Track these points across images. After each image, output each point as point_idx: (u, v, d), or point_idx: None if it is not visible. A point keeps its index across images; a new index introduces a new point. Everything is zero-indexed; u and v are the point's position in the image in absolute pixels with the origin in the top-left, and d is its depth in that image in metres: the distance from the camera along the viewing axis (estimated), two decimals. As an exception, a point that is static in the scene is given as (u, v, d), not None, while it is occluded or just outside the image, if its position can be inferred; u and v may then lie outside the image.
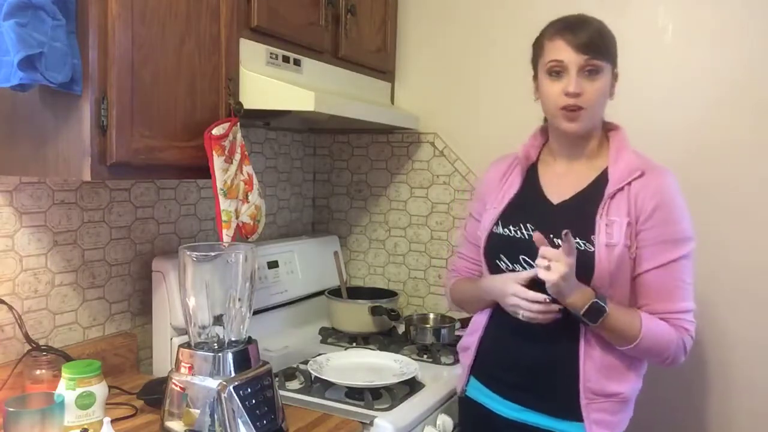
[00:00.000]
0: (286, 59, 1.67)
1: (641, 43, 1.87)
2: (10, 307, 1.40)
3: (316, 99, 1.51)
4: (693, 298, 1.34)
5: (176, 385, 1.28)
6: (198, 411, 1.25)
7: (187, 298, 1.33)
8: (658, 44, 1.87)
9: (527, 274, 1.32)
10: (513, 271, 1.38)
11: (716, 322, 1.83)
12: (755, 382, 1.80)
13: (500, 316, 1.43)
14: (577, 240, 1.31)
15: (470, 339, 1.52)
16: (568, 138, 1.40)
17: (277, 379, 1.50)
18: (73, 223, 1.55)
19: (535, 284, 1.31)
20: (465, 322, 1.86)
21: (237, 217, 1.48)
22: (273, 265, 2.03)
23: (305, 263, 2.16)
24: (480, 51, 2.12)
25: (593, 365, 1.33)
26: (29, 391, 1.33)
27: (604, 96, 1.35)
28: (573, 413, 1.34)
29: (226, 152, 1.42)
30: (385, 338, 2.04)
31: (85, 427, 1.26)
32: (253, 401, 1.27)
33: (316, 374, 1.59)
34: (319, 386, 1.58)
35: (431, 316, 2.10)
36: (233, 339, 1.33)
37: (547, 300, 1.28)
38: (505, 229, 1.42)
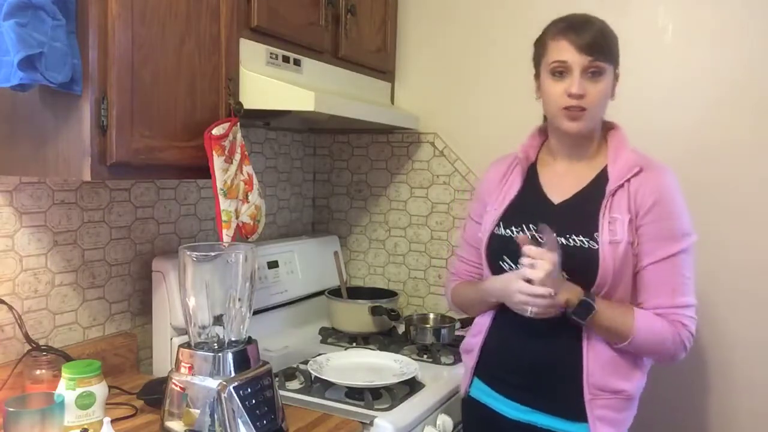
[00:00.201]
0: (286, 59, 1.67)
1: (641, 43, 1.87)
2: (10, 307, 1.40)
3: (316, 99, 1.51)
4: (693, 294, 1.34)
5: (176, 385, 1.28)
6: (198, 411, 1.25)
7: (187, 298, 1.33)
8: (658, 44, 1.87)
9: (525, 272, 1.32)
10: None
11: (716, 321, 1.83)
12: (755, 381, 1.80)
13: (503, 317, 1.44)
14: (581, 238, 1.32)
15: (473, 340, 1.51)
16: (569, 138, 1.40)
17: (277, 379, 1.50)
18: (73, 223, 1.55)
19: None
20: (465, 322, 1.86)
21: (237, 217, 1.48)
22: (273, 265, 2.03)
23: (305, 263, 2.16)
24: (480, 51, 2.13)
25: (597, 361, 1.33)
26: (29, 391, 1.33)
27: (606, 97, 1.36)
28: (578, 412, 1.34)
29: (226, 152, 1.42)
30: (385, 338, 2.04)
31: (85, 427, 1.26)
32: (253, 401, 1.27)
33: (316, 374, 1.59)
34: (319, 386, 1.58)
35: (431, 316, 2.10)
36: (233, 339, 1.33)
37: (552, 293, 1.27)
38: (507, 230, 1.42)
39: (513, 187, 1.47)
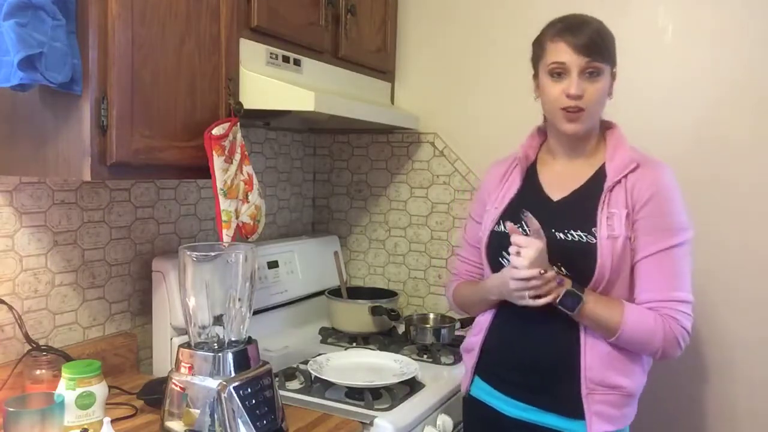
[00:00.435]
0: (286, 59, 1.67)
1: (641, 43, 1.87)
2: (10, 307, 1.40)
3: (316, 99, 1.51)
4: (689, 290, 1.33)
5: (176, 385, 1.28)
6: (198, 411, 1.25)
7: (187, 298, 1.33)
8: (658, 44, 1.87)
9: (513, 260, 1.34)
10: None
11: (715, 321, 1.83)
12: (754, 381, 1.80)
13: (504, 315, 1.45)
14: (579, 233, 1.34)
15: (474, 339, 1.52)
16: (567, 138, 1.41)
17: (277, 379, 1.50)
18: (73, 223, 1.55)
19: None
20: (465, 322, 1.86)
21: (237, 217, 1.48)
22: (273, 265, 2.03)
23: (305, 263, 2.16)
24: (480, 51, 2.13)
25: (595, 355, 1.33)
26: (29, 391, 1.33)
27: (604, 96, 1.37)
28: (577, 409, 1.34)
29: (226, 152, 1.42)
30: (385, 338, 2.04)
31: (85, 427, 1.26)
32: (253, 401, 1.27)
33: (316, 374, 1.59)
34: (319, 386, 1.58)
35: (431, 316, 2.10)
36: (233, 339, 1.33)
37: (542, 272, 1.28)
38: (522, 225, 1.42)
39: (513, 186, 1.48)
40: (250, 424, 1.25)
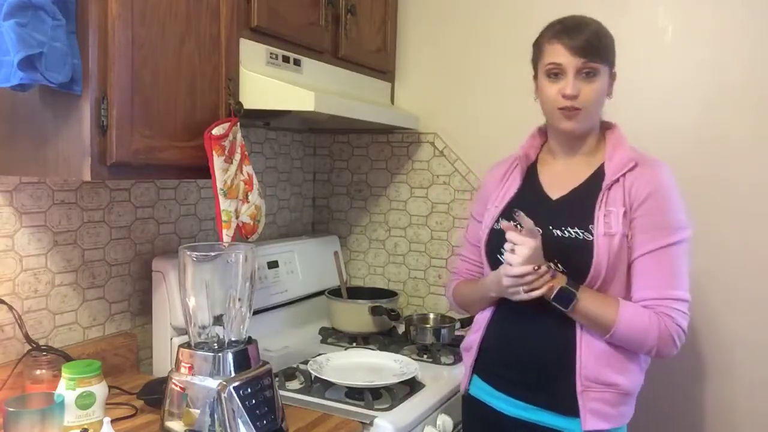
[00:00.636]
0: (286, 59, 1.67)
1: (641, 43, 1.87)
2: (10, 307, 1.40)
3: (316, 99, 1.51)
4: (686, 289, 1.33)
5: (176, 385, 1.28)
6: (198, 411, 1.25)
7: (187, 298, 1.33)
8: (658, 44, 1.87)
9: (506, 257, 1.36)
10: None
11: (714, 321, 1.83)
12: (754, 381, 1.80)
13: (502, 313, 1.46)
14: (576, 230, 1.35)
15: (472, 338, 1.53)
16: (566, 137, 1.43)
17: (277, 379, 1.50)
18: (73, 223, 1.55)
19: None
20: (465, 322, 1.87)
21: (237, 217, 1.48)
22: (273, 265, 2.03)
23: (305, 263, 2.16)
24: (480, 51, 2.13)
25: (591, 352, 1.34)
26: (29, 391, 1.33)
27: (602, 96, 1.38)
28: (573, 407, 1.34)
29: (226, 152, 1.42)
30: (385, 338, 2.04)
31: (85, 427, 1.26)
32: (253, 401, 1.27)
33: (316, 374, 1.59)
34: (319, 386, 1.58)
35: (431, 316, 2.10)
36: (233, 339, 1.33)
37: (535, 268, 1.29)
38: (514, 224, 1.43)
39: (513, 185, 1.49)
40: (250, 424, 1.25)
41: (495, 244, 1.44)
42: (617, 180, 1.35)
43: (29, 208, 1.46)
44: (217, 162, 1.41)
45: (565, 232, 1.36)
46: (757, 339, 1.79)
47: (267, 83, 1.53)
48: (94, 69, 1.19)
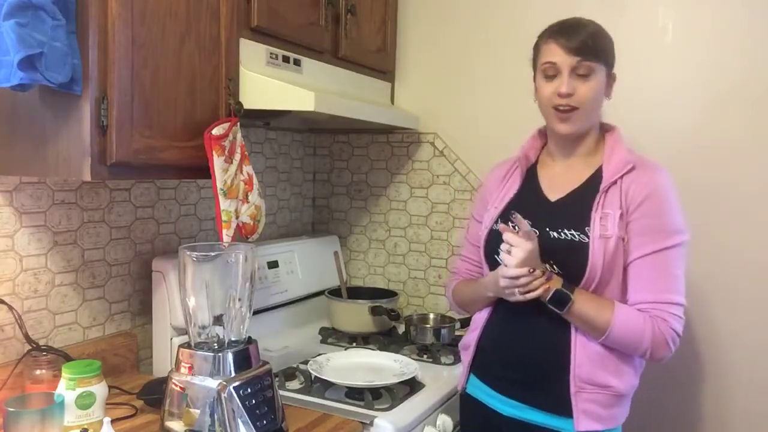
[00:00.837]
0: (286, 59, 1.67)
1: (641, 43, 1.87)
2: (10, 307, 1.40)
3: (316, 99, 1.51)
4: (681, 293, 1.33)
5: (176, 385, 1.28)
6: (198, 411, 1.25)
7: (187, 298, 1.33)
8: (658, 44, 1.87)
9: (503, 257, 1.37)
10: None
11: (713, 322, 1.83)
12: (753, 381, 1.80)
13: (499, 313, 1.46)
14: (572, 232, 1.35)
15: (470, 337, 1.54)
16: (563, 139, 1.43)
17: (277, 379, 1.50)
18: (73, 223, 1.55)
19: None
20: (465, 323, 1.86)
21: (237, 217, 1.48)
22: (273, 265, 2.03)
23: (305, 263, 2.16)
24: (480, 51, 2.13)
25: (585, 353, 1.34)
26: (29, 391, 1.33)
27: (598, 96, 1.37)
28: (566, 407, 1.35)
29: (226, 152, 1.42)
30: (385, 338, 2.04)
31: (85, 427, 1.26)
32: (253, 401, 1.27)
33: (316, 374, 1.59)
34: (319, 386, 1.58)
35: (431, 316, 2.10)
36: (233, 339, 1.33)
37: (530, 270, 1.30)
38: (510, 225, 1.43)
39: (513, 186, 1.50)
40: (250, 424, 1.25)
41: (494, 244, 1.45)
42: (614, 182, 1.35)
43: (29, 208, 1.46)
44: (217, 162, 1.41)
45: (562, 234, 1.36)
46: (755, 340, 1.79)
47: (267, 83, 1.53)
48: (94, 69, 1.19)
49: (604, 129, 1.46)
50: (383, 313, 2.01)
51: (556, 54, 1.35)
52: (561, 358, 1.35)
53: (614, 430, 1.38)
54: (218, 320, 1.33)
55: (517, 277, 1.31)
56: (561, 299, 1.31)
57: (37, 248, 1.48)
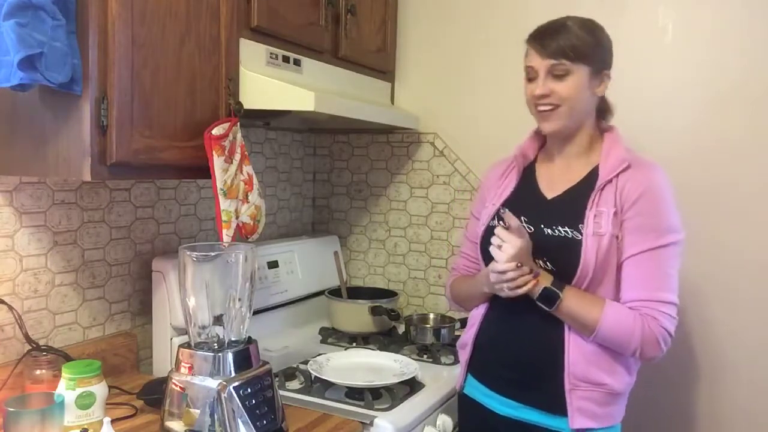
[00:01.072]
0: (286, 59, 1.67)
1: (641, 43, 1.87)
2: (10, 307, 1.40)
3: (316, 99, 1.51)
4: (674, 292, 1.32)
5: (176, 385, 1.28)
6: (198, 411, 1.25)
7: (187, 298, 1.33)
8: (658, 44, 1.87)
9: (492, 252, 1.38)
10: None
11: (711, 322, 1.83)
12: (752, 381, 1.80)
13: (495, 311, 1.48)
14: (566, 229, 1.36)
15: (467, 335, 1.54)
16: (551, 137, 1.46)
17: (277, 379, 1.50)
18: (73, 223, 1.55)
19: None
20: (464, 322, 1.86)
21: (237, 217, 1.48)
22: (273, 265, 2.03)
23: (305, 263, 2.16)
24: (480, 51, 2.13)
25: (579, 351, 1.34)
26: (29, 391, 1.33)
27: (577, 94, 1.37)
28: (561, 405, 1.35)
29: (226, 152, 1.42)
30: (385, 338, 2.04)
31: (85, 427, 1.26)
32: (253, 401, 1.27)
33: (316, 374, 1.59)
34: (319, 386, 1.58)
35: (431, 316, 2.10)
36: (233, 339, 1.33)
37: (519, 265, 1.31)
38: (500, 222, 1.44)
39: (510, 184, 1.52)
40: (250, 424, 1.25)
41: (490, 241, 1.45)
42: (610, 180, 1.36)
43: (29, 208, 1.46)
44: (217, 162, 1.41)
45: (555, 231, 1.37)
46: (755, 340, 1.79)
47: (267, 83, 1.53)
48: (94, 69, 1.19)
49: (603, 129, 1.46)
50: (383, 313, 2.01)
51: (533, 58, 1.39)
52: (556, 356, 1.36)
53: (612, 429, 1.38)
54: (218, 320, 1.33)
55: (504, 272, 1.32)
56: (549, 297, 1.32)
57: (37, 248, 1.48)
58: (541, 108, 1.39)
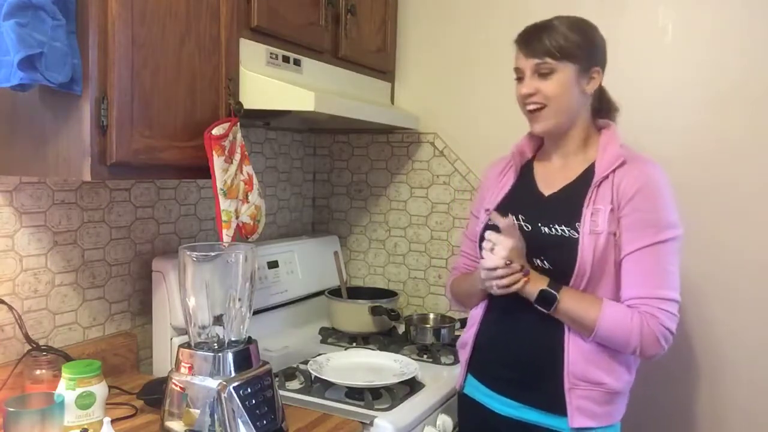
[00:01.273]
0: (286, 59, 1.67)
1: (641, 43, 1.87)
2: (10, 307, 1.40)
3: (316, 99, 1.51)
4: (674, 288, 1.31)
5: (176, 385, 1.28)
6: (198, 411, 1.25)
7: (187, 298, 1.33)
8: (658, 44, 1.87)
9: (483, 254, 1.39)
10: None
11: (710, 322, 1.83)
12: (751, 381, 1.80)
13: (494, 310, 1.48)
14: (563, 227, 1.36)
15: (467, 334, 1.54)
16: (544, 137, 1.47)
17: (277, 379, 1.50)
18: (73, 223, 1.55)
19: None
20: (465, 322, 1.86)
21: (237, 217, 1.48)
22: (273, 265, 2.03)
23: (305, 263, 2.16)
24: (480, 51, 2.13)
25: (578, 350, 1.34)
26: (29, 391, 1.33)
27: (564, 92, 1.37)
28: (561, 404, 1.35)
29: (226, 152, 1.42)
30: (385, 338, 2.04)
31: (85, 427, 1.26)
32: (253, 401, 1.27)
33: (316, 374, 1.59)
34: (319, 386, 1.58)
35: (431, 316, 2.10)
36: (233, 339, 1.33)
37: (508, 263, 1.32)
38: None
39: (508, 182, 1.52)
40: (250, 424, 1.25)
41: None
42: (606, 177, 1.36)
43: (29, 208, 1.46)
44: (217, 162, 1.41)
45: (553, 229, 1.37)
46: (755, 340, 1.79)
47: (267, 83, 1.53)
48: (94, 69, 1.19)
49: (600, 125, 1.46)
50: (383, 313, 2.01)
51: (519, 59, 1.40)
52: (555, 356, 1.36)
53: (611, 428, 1.38)
54: (218, 320, 1.33)
55: (493, 269, 1.32)
56: (547, 298, 1.32)
57: (37, 248, 1.48)
58: (529, 107, 1.39)
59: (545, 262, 1.37)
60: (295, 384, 1.64)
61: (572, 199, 1.38)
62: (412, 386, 1.63)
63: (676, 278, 1.32)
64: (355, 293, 2.15)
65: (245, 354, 1.32)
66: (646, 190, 1.32)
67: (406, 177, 2.29)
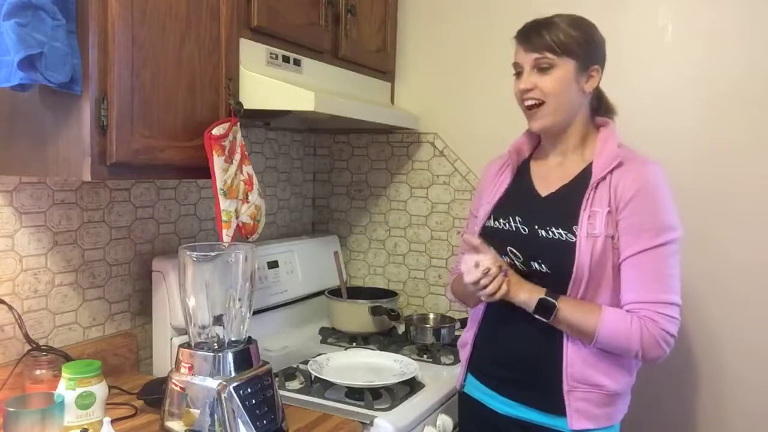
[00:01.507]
0: (286, 59, 1.67)
1: (641, 43, 1.87)
2: (10, 307, 1.40)
3: (316, 99, 1.51)
4: (674, 292, 1.30)
5: (176, 385, 1.28)
6: (198, 411, 1.25)
7: (187, 298, 1.33)
8: (658, 44, 1.87)
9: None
10: None
11: (709, 322, 1.83)
12: (750, 381, 1.80)
13: (494, 311, 1.47)
14: (560, 231, 1.35)
15: (467, 334, 1.55)
16: (542, 135, 1.46)
17: (277, 379, 1.50)
18: (73, 223, 1.55)
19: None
20: (465, 322, 1.86)
21: (237, 217, 1.48)
22: (273, 265, 2.03)
23: (305, 263, 2.16)
24: (480, 51, 2.13)
25: (577, 352, 1.34)
26: (29, 391, 1.33)
27: (562, 88, 1.36)
28: (560, 406, 1.35)
29: (226, 152, 1.42)
30: (385, 338, 2.04)
31: (85, 427, 1.26)
32: (253, 401, 1.27)
33: (316, 374, 1.59)
34: (319, 386, 1.58)
35: (431, 316, 2.10)
36: (233, 339, 1.33)
37: (485, 271, 1.32)
38: (496, 222, 1.46)
39: (505, 181, 1.51)
40: (250, 424, 1.25)
41: (487, 239, 1.45)
42: (604, 178, 1.34)
43: (29, 208, 1.46)
44: (217, 162, 1.41)
45: (549, 232, 1.36)
46: (755, 340, 1.79)
47: (267, 83, 1.53)
48: (94, 69, 1.19)
49: (598, 124, 1.45)
50: (383, 313, 2.01)
51: (518, 54, 1.40)
52: (554, 357, 1.35)
53: (611, 429, 1.38)
54: (218, 320, 1.33)
55: (476, 282, 1.33)
56: (545, 307, 1.32)
57: (37, 248, 1.48)
58: (527, 103, 1.38)
59: (543, 265, 1.36)
60: (295, 384, 1.64)
61: (569, 201, 1.37)
62: (412, 386, 1.63)
63: (677, 281, 1.31)
64: (355, 293, 2.15)
65: (245, 354, 1.32)
66: (644, 192, 1.31)
67: (406, 177, 2.29)
